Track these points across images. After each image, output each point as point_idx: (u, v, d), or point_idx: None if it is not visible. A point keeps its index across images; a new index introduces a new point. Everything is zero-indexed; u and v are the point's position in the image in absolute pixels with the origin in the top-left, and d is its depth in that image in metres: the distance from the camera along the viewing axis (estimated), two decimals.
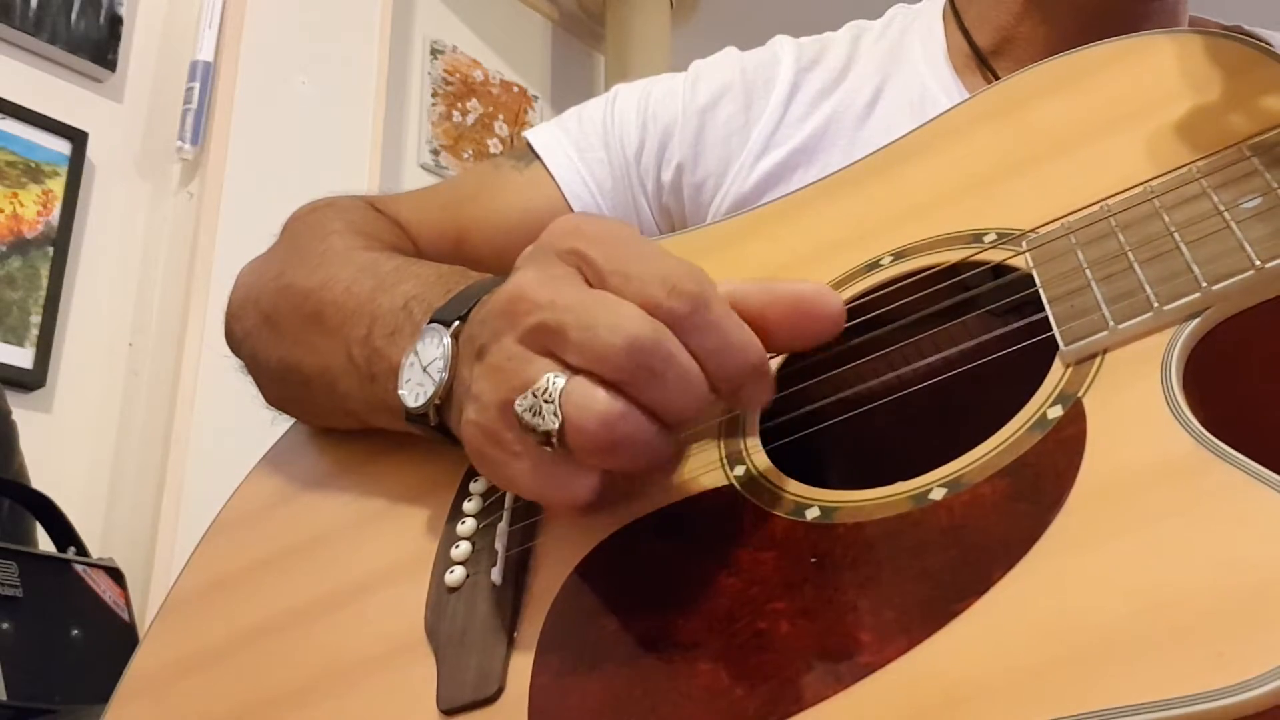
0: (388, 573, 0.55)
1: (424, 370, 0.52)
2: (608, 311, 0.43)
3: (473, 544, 0.53)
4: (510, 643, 0.47)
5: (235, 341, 0.73)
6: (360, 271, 0.63)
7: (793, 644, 0.39)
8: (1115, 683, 0.31)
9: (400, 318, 0.57)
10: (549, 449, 0.44)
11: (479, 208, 0.80)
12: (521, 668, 0.45)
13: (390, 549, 0.56)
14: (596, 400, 0.42)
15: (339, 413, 0.63)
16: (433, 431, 0.53)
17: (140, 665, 0.60)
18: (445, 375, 0.51)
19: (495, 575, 0.49)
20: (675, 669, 0.41)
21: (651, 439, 0.44)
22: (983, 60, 0.77)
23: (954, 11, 0.80)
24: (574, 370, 0.43)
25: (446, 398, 0.51)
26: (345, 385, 0.60)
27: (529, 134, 0.83)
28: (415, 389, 0.52)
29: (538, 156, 0.81)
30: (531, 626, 0.47)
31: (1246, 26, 0.74)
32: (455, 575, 0.51)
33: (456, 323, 0.51)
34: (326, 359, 0.61)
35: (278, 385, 0.68)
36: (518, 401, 0.44)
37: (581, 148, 0.80)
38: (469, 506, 0.54)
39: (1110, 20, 0.70)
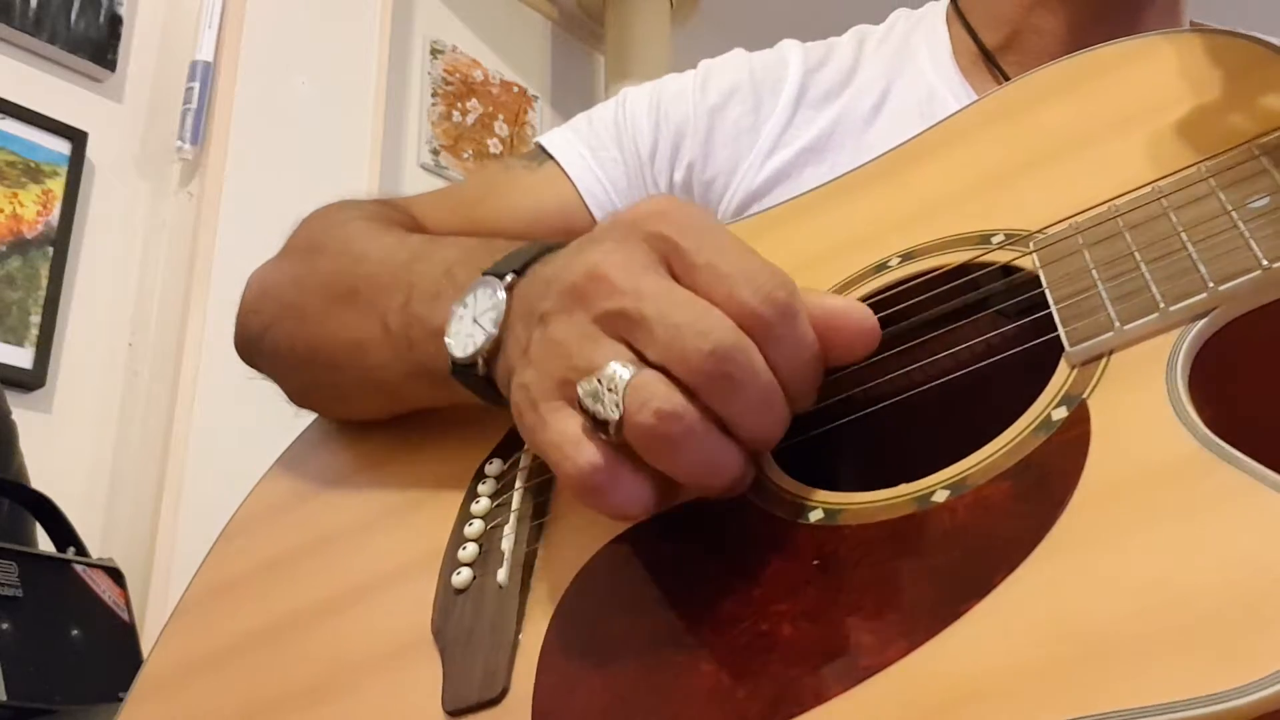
0: (396, 573, 0.55)
1: (474, 321, 0.51)
2: (696, 314, 0.42)
3: (480, 546, 0.53)
4: (515, 644, 0.47)
5: (252, 338, 0.72)
6: (392, 247, 0.63)
7: (795, 646, 0.39)
8: (1121, 684, 0.31)
9: (442, 283, 0.56)
10: (603, 437, 0.43)
11: (489, 208, 0.80)
12: (526, 668, 0.45)
13: (399, 550, 0.56)
14: (658, 395, 0.42)
15: (369, 387, 0.62)
16: (479, 382, 0.52)
17: (152, 667, 0.60)
18: (496, 330, 0.50)
19: (501, 576, 0.50)
20: (679, 670, 0.41)
21: (717, 449, 0.43)
22: (990, 58, 0.77)
23: (958, 12, 0.80)
24: (647, 364, 0.43)
25: (494, 351, 0.50)
26: (378, 356, 0.59)
27: (540, 139, 0.83)
28: (465, 340, 0.51)
29: (551, 157, 0.81)
30: (537, 628, 0.47)
31: (1242, 30, 0.74)
32: (462, 576, 0.51)
33: (512, 275, 0.51)
34: (358, 333, 0.61)
35: (303, 371, 0.67)
36: (581, 384, 0.43)
37: (594, 147, 0.81)
38: (477, 509, 0.54)
39: (1118, 8, 0.71)
